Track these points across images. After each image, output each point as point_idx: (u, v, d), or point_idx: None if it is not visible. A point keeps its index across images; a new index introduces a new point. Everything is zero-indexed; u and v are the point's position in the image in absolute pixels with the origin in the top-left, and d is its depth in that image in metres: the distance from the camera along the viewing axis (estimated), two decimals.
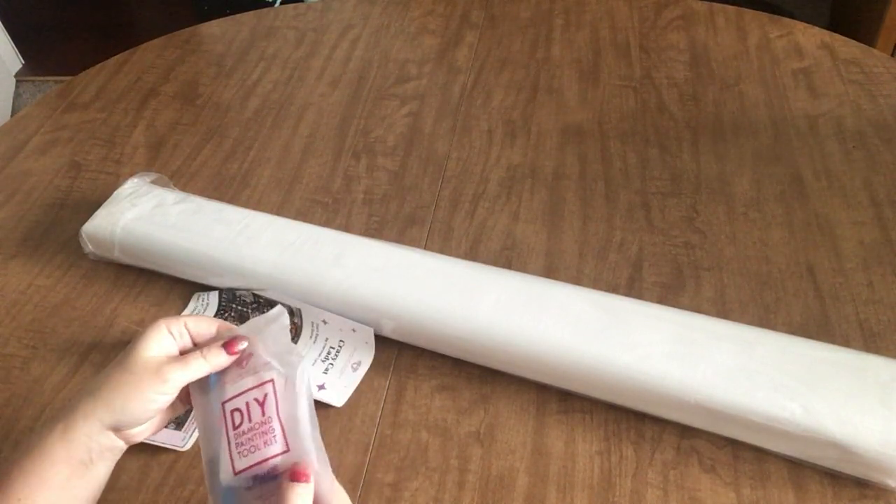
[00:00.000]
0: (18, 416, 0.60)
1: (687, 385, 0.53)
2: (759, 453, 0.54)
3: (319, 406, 0.58)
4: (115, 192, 0.72)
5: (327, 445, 0.56)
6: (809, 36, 0.92)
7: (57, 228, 0.76)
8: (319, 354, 0.61)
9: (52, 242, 0.74)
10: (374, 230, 0.73)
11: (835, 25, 1.82)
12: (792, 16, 0.98)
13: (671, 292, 0.65)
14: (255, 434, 0.41)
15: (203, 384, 0.45)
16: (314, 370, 0.60)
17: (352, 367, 0.60)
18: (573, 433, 0.56)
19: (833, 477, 0.52)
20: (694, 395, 0.52)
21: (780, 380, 0.52)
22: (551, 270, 0.67)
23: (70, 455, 0.43)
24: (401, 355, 0.62)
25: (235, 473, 0.41)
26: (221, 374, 0.45)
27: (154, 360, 0.44)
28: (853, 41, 0.91)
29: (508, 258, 0.69)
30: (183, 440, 0.57)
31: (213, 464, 0.42)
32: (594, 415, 0.57)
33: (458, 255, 0.67)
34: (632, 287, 0.65)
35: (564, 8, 1.01)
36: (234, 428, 0.42)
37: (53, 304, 0.68)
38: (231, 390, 0.43)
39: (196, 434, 0.57)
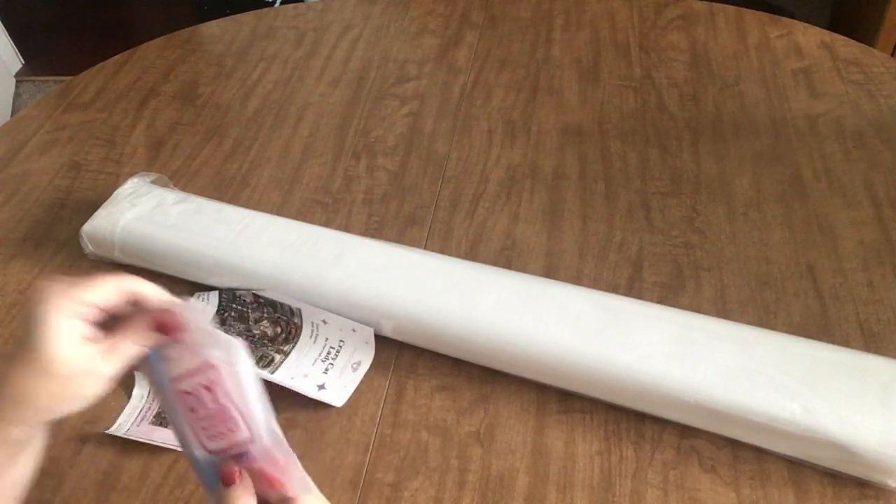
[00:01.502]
0: None
1: (687, 385, 0.53)
2: (759, 453, 0.54)
3: (320, 406, 0.58)
4: (115, 192, 0.72)
5: (328, 445, 0.57)
6: (809, 36, 0.92)
7: (57, 228, 0.76)
8: (319, 354, 0.61)
9: (52, 242, 0.74)
10: (374, 230, 0.73)
11: (835, 25, 1.82)
12: (792, 16, 0.98)
13: (671, 292, 0.65)
14: (216, 420, 0.40)
15: (149, 361, 0.42)
16: (314, 370, 0.60)
17: (352, 367, 0.60)
18: (573, 433, 0.56)
19: (833, 477, 0.52)
20: (694, 395, 0.52)
21: (780, 380, 0.52)
22: (551, 270, 0.67)
23: None
24: (401, 355, 0.62)
25: (210, 453, 0.41)
26: (164, 351, 0.41)
27: (76, 356, 0.38)
28: (853, 41, 0.91)
29: (508, 258, 0.69)
30: None
31: (184, 441, 0.41)
32: (594, 415, 0.57)
33: (458, 255, 0.67)
34: (632, 287, 0.65)
35: (564, 8, 1.01)
36: (191, 412, 0.40)
37: None
38: (175, 367, 0.41)
39: None
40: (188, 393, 0.40)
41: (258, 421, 0.40)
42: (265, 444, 0.40)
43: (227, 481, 0.39)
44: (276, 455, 0.40)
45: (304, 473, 0.41)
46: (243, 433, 0.40)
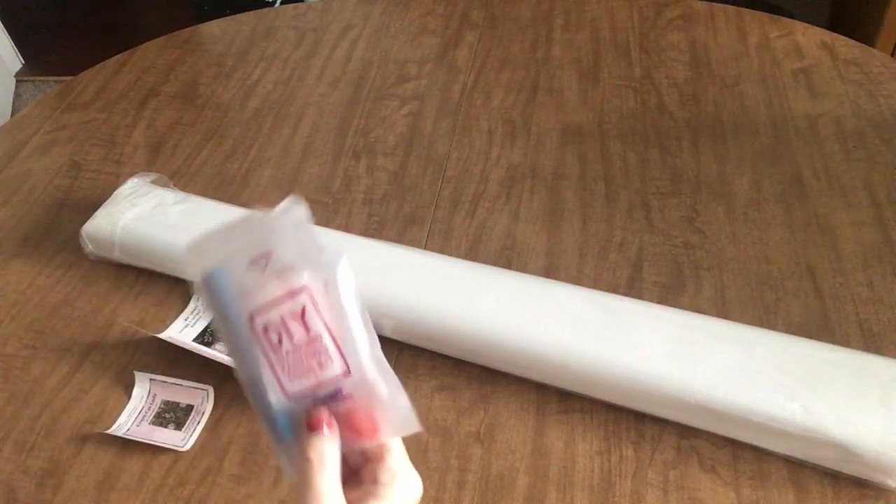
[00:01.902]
0: (18, 416, 0.60)
1: (687, 385, 0.53)
2: (759, 453, 0.54)
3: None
4: (115, 192, 0.72)
5: None
6: (809, 36, 0.92)
7: (57, 228, 0.76)
8: None
9: (52, 242, 0.74)
10: (374, 230, 0.73)
11: (835, 25, 1.82)
12: (792, 16, 0.98)
13: (671, 292, 0.65)
14: (303, 355, 0.34)
15: (213, 288, 0.35)
16: None
17: None
18: (573, 433, 0.56)
19: (833, 477, 0.52)
20: (694, 395, 0.52)
21: (780, 380, 0.52)
22: (551, 270, 0.67)
23: None
24: (401, 355, 0.62)
25: (290, 398, 0.35)
26: (236, 277, 0.35)
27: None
28: (853, 41, 0.91)
29: (508, 258, 0.69)
30: (183, 440, 0.57)
31: (256, 386, 0.35)
32: (594, 415, 0.57)
33: (458, 256, 0.67)
34: (632, 287, 0.65)
35: (564, 8, 1.01)
36: (274, 350, 0.34)
37: (53, 304, 0.68)
38: (257, 298, 0.34)
39: (196, 434, 0.57)
40: (271, 326, 0.34)
41: (358, 350, 0.34)
42: (365, 377, 0.34)
43: (313, 426, 0.34)
44: (377, 390, 0.34)
45: (412, 414, 0.35)
46: (336, 367, 0.34)
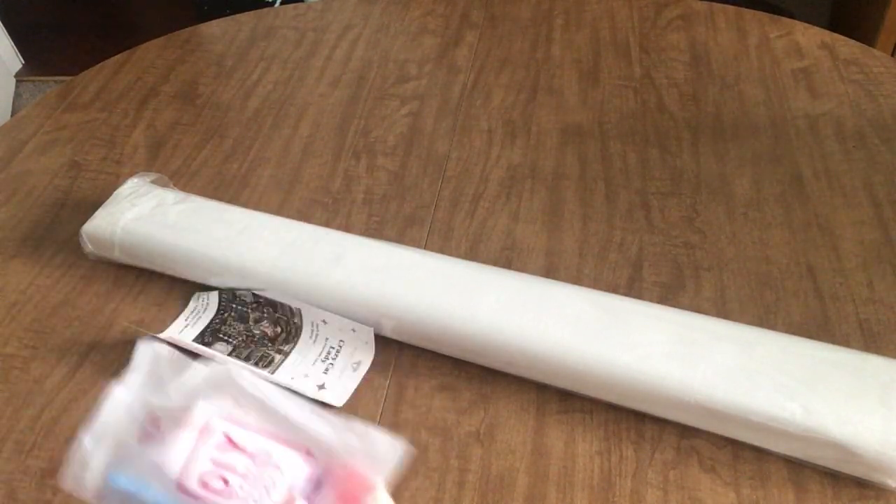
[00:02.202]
0: (18, 416, 0.60)
1: (687, 385, 0.53)
2: (759, 453, 0.54)
3: (319, 406, 0.58)
4: (115, 192, 0.72)
5: None
6: (809, 36, 0.92)
7: (57, 228, 0.76)
8: (319, 354, 0.61)
9: (52, 242, 0.74)
10: (374, 230, 0.73)
11: (835, 25, 1.82)
12: (792, 16, 0.98)
13: (671, 292, 0.65)
14: (258, 474, 0.30)
15: (120, 494, 0.30)
16: (314, 370, 0.60)
17: (352, 367, 0.60)
18: (573, 433, 0.56)
19: (833, 477, 0.52)
20: (694, 395, 0.52)
21: (780, 380, 0.52)
22: (551, 270, 0.67)
23: None
24: (401, 355, 0.62)
25: None
26: (133, 463, 0.29)
27: None
28: (853, 41, 0.91)
29: (508, 258, 0.69)
30: None
31: None
32: (594, 415, 0.57)
33: (458, 255, 0.67)
34: (632, 287, 0.65)
35: (564, 8, 1.01)
36: (226, 495, 0.29)
37: (53, 304, 0.68)
38: (173, 462, 0.29)
39: None
40: (206, 481, 0.29)
41: (304, 425, 0.31)
42: (329, 445, 0.31)
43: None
44: (349, 446, 0.31)
45: (392, 442, 0.32)
46: (298, 459, 0.30)
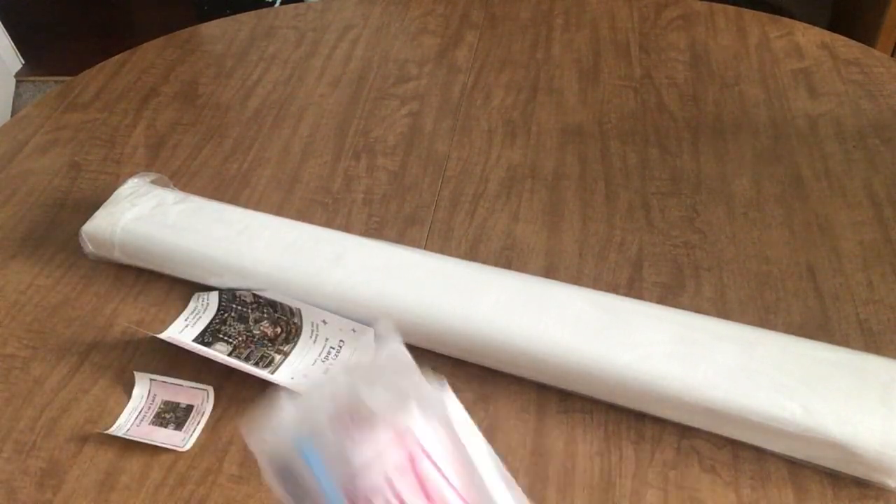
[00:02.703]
0: (18, 416, 0.60)
1: (687, 385, 0.53)
2: (759, 453, 0.54)
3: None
4: (115, 192, 0.72)
5: None
6: (809, 36, 0.92)
7: (57, 228, 0.76)
8: (319, 354, 0.61)
9: (52, 242, 0.74)
10: (374, 230, 0.73)
11: (835, 25, 1.82)
12: (792, 16, 0.98)
13: (671, 292, 0.65)
14: None
15: (301, 469, 0.27)
16: (314, 370, 0.60)
17: None
18: (573, 433, 0.56)
19: (833, 477, 0.52)
20: (694, 395, 0.52)
21: (780, 380, 0.52)
22: (551, 270, 0.67)
23: None
24: None
25: None
26: (325, 447, 0.27)
27: None
28: (853, 41, 0.91)
29: (508, 258, 0.69)
30: (183, 440, 0.57)
31: None
32: (594, 415, 0.57)
33: (458, 256, 0.67)
34: (632, 287, 0.65)
35: (564, 8, 1.01)
36: None
37: (53, 304, 0.68)
38: (349, 462, 0.27)
39: (196, 434, 0.57)
40: (371, 499, 0.27)
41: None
42: None
43: None
44: None
45: None
46: None
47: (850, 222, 0.69)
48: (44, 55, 2.27)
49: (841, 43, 0.91)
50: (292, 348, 0.61)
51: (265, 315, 0.64)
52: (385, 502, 0.26)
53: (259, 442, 0.27)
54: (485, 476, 0.27)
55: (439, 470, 0.26)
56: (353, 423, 0.26)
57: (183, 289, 0.68)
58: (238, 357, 0.61)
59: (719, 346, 0.54)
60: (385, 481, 0.26)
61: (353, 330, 0.61)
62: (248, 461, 0.56)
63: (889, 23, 1.54)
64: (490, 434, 0.56)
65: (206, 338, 0.63)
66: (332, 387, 0.27)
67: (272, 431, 0.27)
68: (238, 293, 0.65)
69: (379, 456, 0.26)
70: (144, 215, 0.69)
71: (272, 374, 0.59)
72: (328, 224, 0.73)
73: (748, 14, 0.97)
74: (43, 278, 0.71)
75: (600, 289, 0.61)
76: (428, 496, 0.26)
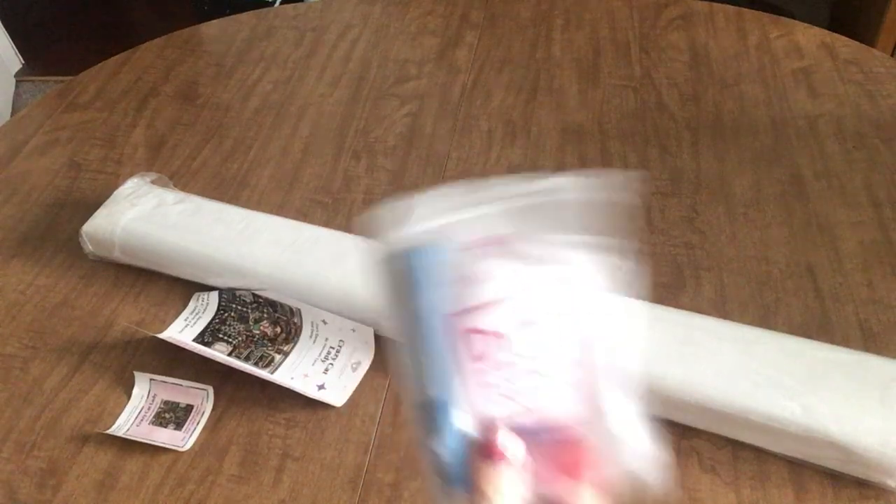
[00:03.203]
0: (18, 416, 0.60)
1: (687, 385, 0.53)
2: (759, 453, 0.54)
3: (320, 406, 0.58)
4: (115, 192, 0.72)
5: (327, 445, 0.57)
6: (809, 36, 0.92)
7: (57, 228, 0.76)
8: (319, 354, 0.61)
9: (52, 242, 0.74)
10: None
11: (835, 25, 1.82)
12: (792, 16, 0.98)
13: (671, 292, 0.65)
14: (516, 373, 0.26)
15: (414, 269, 0.27)
16: (314, 370, 0.60)
17: (352, 367, 0.60)
18: None
19: (833, 477, 0.52)
20: (694, 395, 0.52)
21: (780, 380, 0.52)
22: None
23: None
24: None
25: (477, 421, 0.27)
26: (449, 260, 0.26)
27: None
28: (853, 41, 0.91)
29: None
30: (183, 440, 0.57)
31: (432, 399, 0.28)
32: None
33: None
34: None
35: (564, 8, 1.01)
36: (475, 359, 0.26)
37: (53, 304, 0.68)
38: (466, 294, 0.26)
39: (196, 434, 0.57)
40: (472, 336, 0.26)
41: (605, 397, 0.27)
42: (602, 424, 0.28)
43: (492, 454, 0.27)
44: (613, 434, 0.27)
45: (649, 458, 0.28)
46: (569, 406, 0.27)
47: (850, 222, 0.69)
48: (44, 55, 2.27)
49: (841, 43, 0.91)
50: (292, 348, 0.61)
51: (265, 315, 0.64)
52: (483, 344, 0.24)
53: (384, 236, 0.27)
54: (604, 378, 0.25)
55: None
56: (484, 255, 0.25)
57: (183, 289, 0.68)
58: (238, 357, 0.61)
59: (719, 346, 0.54)
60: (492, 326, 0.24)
61: (353, 330, 0.61)
62: (248, 461, 0.56)
63: (889, 23, 1.54)
64: None
65: (206, 338, 0.63)
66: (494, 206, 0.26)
67: (395, 227, 0.26)
68: (238, 293, 0.65)
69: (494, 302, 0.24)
70: (144, 215, 0.69)
71: (272, 373, 0.59)
72: (328, 224, 0.73)
73: (748, 14, 0.97)
74: (43, 278, 0.71)
75: None
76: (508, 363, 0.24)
